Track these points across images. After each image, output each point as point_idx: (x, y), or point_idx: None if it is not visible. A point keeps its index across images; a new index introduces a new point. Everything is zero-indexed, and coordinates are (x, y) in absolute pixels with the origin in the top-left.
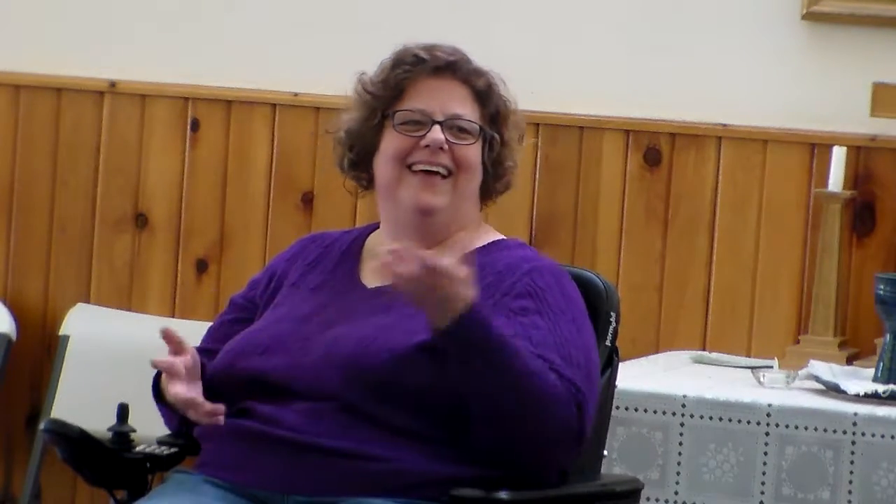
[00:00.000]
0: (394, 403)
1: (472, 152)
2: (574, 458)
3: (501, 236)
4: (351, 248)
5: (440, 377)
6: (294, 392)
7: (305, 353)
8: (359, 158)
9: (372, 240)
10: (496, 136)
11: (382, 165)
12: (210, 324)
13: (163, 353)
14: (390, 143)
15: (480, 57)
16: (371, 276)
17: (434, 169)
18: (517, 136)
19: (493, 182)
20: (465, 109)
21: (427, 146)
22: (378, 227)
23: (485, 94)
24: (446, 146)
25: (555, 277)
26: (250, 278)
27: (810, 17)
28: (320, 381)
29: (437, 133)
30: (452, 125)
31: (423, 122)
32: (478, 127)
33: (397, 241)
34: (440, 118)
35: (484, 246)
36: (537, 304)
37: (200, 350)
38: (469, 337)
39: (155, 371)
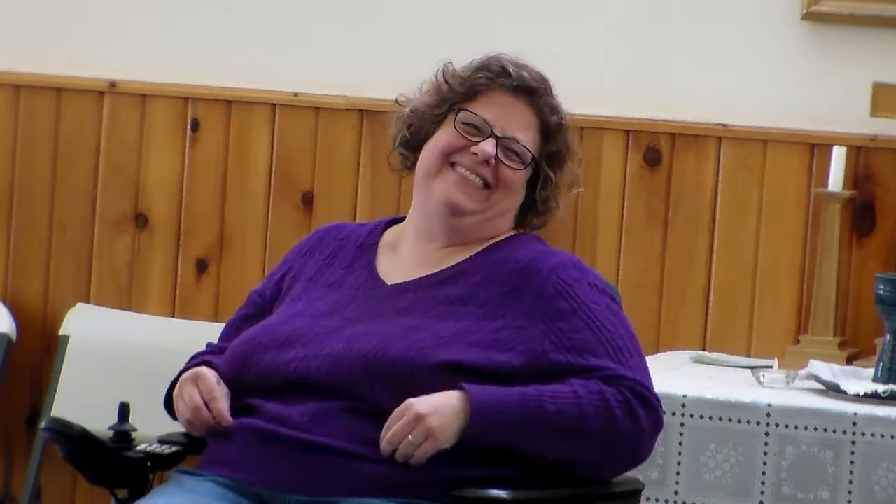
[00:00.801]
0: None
1: (516, 175)
2: (654, 441)
3: (511, 230)
4: (367, 241)
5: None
6: (307, 386)
7: (324, 346)
8: (412, 138)
9: (392, 233)
10: (550, 175)
11: (428, 153)
12: (210, 323)
13: (163, 354)
14: (444, 135)
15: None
16: (390, 272)
17: (472, 177)
18: (569, 182)
19: (533, 216)
20: (526, 136)
21: (475, 154)
22: (396, 221)
23: (552, 131)
24: (493, 161)
25: (578, 269)
26: (268, 272)
27: (810, 17)
28: (336, 375)
29: (489, 145)
30: (507, 145)
31: (482, 131)
32: (531, 156)
33: (422, 234)
34: (499, 133)
35: (501, 241)
36: (571, 304)
37: (218, 349)
38: (490, 424)
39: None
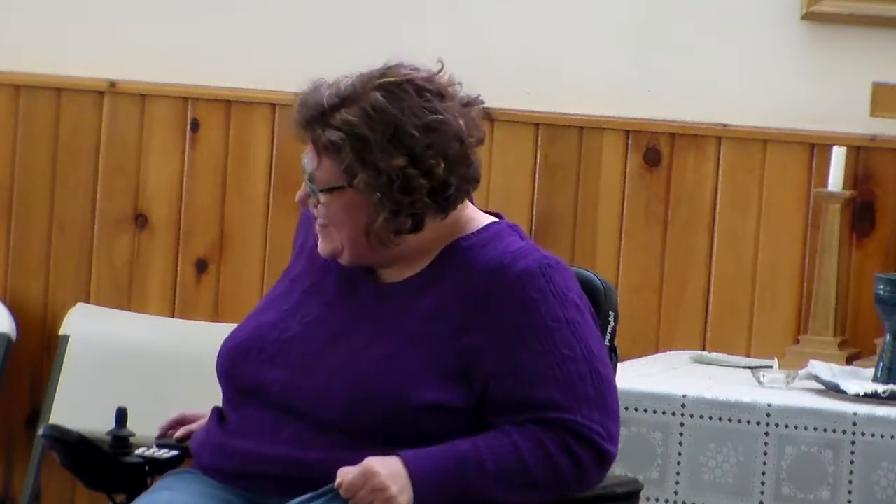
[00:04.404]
0: (390, 438)
1: (332, 208)
2: (604, 473)
3: (484, 220)
4: None
5: (442, 432)
6: (291, 408)
7: (307, 372)
8: None
9: None
10: (365, 181)
11: None
12: (209, 323)
13: (163, 354)
14: None
15: (478, 57)
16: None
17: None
18: (399, 163)
19: (438, 198)
20: (318, 167)
21: None
22: None
23: (332, 148)
24: (310, 202)
25: (545, 276)
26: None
27: (810, 17)
28: (318, 409)
29: (301, 191)
30: (310, 180)
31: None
32: (328, 187)
33: None
34: (306, 173)
35: (473, 233)
36: (531, 320)
37: None
38: (434, 492)
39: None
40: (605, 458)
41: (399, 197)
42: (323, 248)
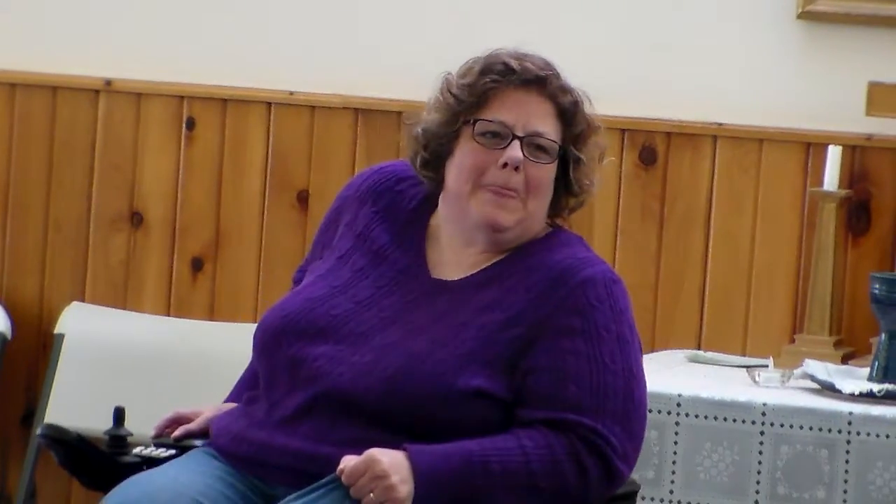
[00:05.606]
0: (417, 426)
1: (545, 173)
2: (612, 489)
3: (550, 227)
4: (420, 209)
5: (478, 421)
6: (325, 387)
7: (353, 351)
8: (432, 158)
9: (436, 223)
10: (580, 156)
11: (455, 175)
12: (205, 322)
13: (158, 353)
14: (467, 154)
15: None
16: (435, 261)
17: (506, 192)
18: (597, 154)
19: (568, 198)
20: (547, 127)
21: (504, 164)
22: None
23: (570, 112)
24: (522, 165)
25: (607, 289)
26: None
27: (806, 16)
28: (357, 388)
29: (515, 150)
30: (532, 142)
31: (504, 136)
32: (557, 147)
33: (459, 241)
34: (521, 133)
35: (539, 239)
36: (584, 324)
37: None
38: (436, 487)
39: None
40: (613, 475)
41: (580, 181)
42: (502, 217)
